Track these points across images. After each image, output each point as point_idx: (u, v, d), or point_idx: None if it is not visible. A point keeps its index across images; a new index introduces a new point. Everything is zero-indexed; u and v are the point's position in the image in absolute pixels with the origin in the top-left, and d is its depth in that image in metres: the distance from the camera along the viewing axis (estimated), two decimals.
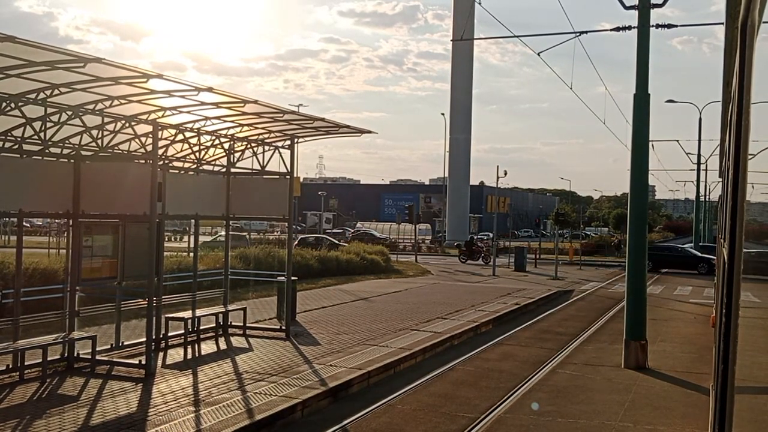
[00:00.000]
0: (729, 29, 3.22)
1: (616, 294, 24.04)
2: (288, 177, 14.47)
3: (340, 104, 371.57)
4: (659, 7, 12.49)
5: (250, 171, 14.78)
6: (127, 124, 11.43)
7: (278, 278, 16.68)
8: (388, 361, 11.99)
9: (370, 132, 15.84)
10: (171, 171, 13.40)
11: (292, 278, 15.14)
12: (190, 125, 12.50)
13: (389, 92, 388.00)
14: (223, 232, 16.09)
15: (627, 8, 12.52)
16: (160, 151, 12.35)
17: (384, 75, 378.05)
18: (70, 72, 8.97)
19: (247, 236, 41.47)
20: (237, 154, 14.47)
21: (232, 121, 12.81)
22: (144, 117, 11.44)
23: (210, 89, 9.99)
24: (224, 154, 14.28)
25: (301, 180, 45.60)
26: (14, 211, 10.51)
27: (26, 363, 10.23)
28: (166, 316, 12.98)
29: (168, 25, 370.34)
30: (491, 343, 14.48)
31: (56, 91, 9.78)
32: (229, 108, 11.50)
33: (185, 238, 50.09)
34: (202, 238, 37.74)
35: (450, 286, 26.13)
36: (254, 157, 14.45)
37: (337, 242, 41.56)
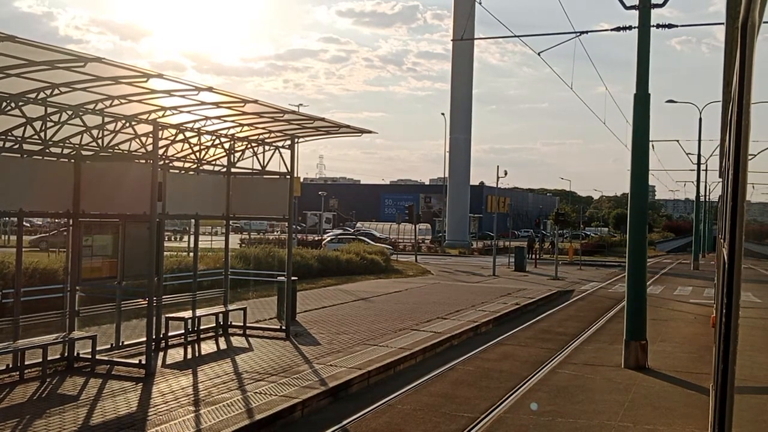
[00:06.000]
0: (729, 29, 3.22)
1: (616, 294, 24.04)
2: (288, 177, 14.47)
3: (340, 104, 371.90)
4: (660, 7, 12.50)
5: (251, 171, 14.77)
6: (127, 124, 11.43)
7: (278, 278, 16.68)
8: (388, 361, 11.99)
9: (369, 132, 15.85)
10: (171, 171, 13.39)
11: (292, 278, 15.14)
12: (190, 125, 12.50)
13: (389, 92, 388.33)
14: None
15: (627, 8, 12.52)
16: (161, 151, 12.34)
17: (383, 75, 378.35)
18: (70, 72, 8.97)
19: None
20: (237, 154, 14.47)
21: (233, 121, 12.81)
22: (144, 117, 11.43)
23: (210, 89, 9.98)
24: (224, 154, 14.28)
25: (301, 180, 45.54)
26: (14, 211, 10.50)
27: (26, 362, 10.23)
28: (166, 315, 12.98)
29: (167, 25, 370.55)
30: (491, 343, 14.47)
31: (56, 91, 9.77)
32: (229, 108, 11.50)
33: (185, 238, 50.10)
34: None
35: (450, 286, 26.13)
36: (254, 157, 14.45)
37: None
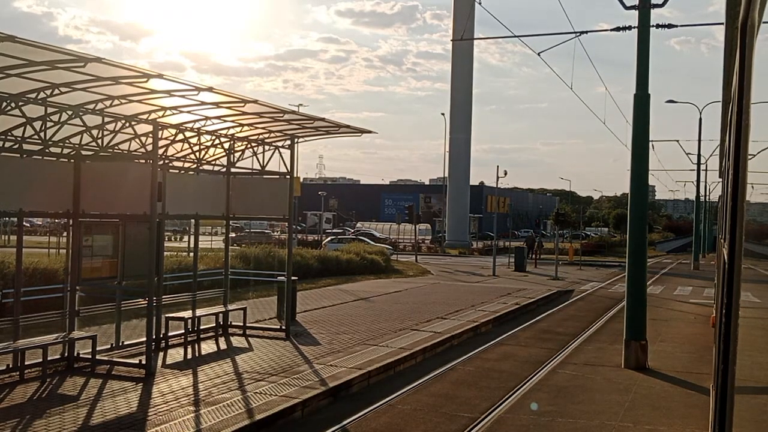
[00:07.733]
0: (729, 29, 3.22)
1: (616, 294, 24.03)
2: (288, 177, 14.47)
3: (340, 104, 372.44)
4: (659, 7, 12.49)
5: (250, 171, 14.77)
6: (127, 124, 11.43)
7: (278, 278, 16.68)
8: (388, 361, 11.98)
9: (369, 132, 15.85)
10: (171, 171, 13.39)
11: (292, 278, 15.14)
12: (190, 125, 12.50)
13: (389, 92, 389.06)
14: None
15: (627, 8, 12.51)
16: (161, 151, 12.35)
17: (383, 75, 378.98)
18: (70, 72, 8.97)
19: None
20: (237, 154, 14.47)
21: (233, 121, 12.81)
22: (144, 117, 11.43)
23: (210, 89, 9.99)
24: (224, 153, 14.28)
25: (301, 180, 45.52)
26: (14, 211, 10.50)
27: (26, 363, 10.22)
28: (166, 315, 12.97)
29: (167, 25, 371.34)
30: (491, 343, 14.47)
31: (56, 91, 9.77)
32: (229, 108, 11.50)
33: (185, 238, 50.11)
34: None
35: (450, 286, 26.12)
36: (254, 157, 14.45)
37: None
